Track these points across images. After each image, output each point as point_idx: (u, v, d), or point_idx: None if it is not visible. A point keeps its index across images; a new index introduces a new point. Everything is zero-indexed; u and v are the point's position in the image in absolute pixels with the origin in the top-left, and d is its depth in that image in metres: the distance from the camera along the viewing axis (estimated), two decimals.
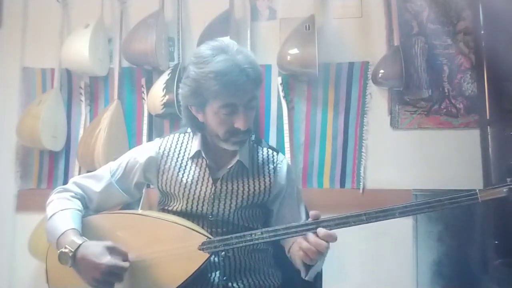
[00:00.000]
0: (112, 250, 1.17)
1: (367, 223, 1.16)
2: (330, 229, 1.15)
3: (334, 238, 1.13)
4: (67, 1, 2.60)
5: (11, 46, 2.63)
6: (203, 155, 1.34)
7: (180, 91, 1.31)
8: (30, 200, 2.50)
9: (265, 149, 1.42)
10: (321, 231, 1.12)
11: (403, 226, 2.24)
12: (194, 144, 1.36)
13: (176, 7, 2.49)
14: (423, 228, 2.20)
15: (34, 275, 2.50)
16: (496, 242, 2.03)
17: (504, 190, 1.10)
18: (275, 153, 1.42)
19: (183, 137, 1.41)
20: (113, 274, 1.15)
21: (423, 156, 2.30)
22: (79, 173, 2.46)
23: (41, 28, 2.63)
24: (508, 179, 1.10)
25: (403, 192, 2.23)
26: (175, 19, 2.50)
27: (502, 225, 2.03)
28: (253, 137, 1.42)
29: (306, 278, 1.23)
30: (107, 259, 1.14)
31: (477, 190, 1.10)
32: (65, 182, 2.50)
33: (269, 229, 1.19)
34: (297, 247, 1.16)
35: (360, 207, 2.37)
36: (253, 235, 1.18)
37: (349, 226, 1.16)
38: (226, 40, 1.27)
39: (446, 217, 2.18)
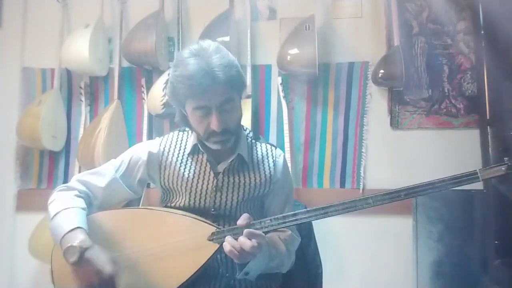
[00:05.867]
0: (115, 263, 1.18)
1: (373, 206, 1.18)
2: (339, 214, 1.18)
3: (256, 235, 1.16)
4: (67, 1, 2.60)
5: (11, 46, 2.64)
6: (201, 148, 1.36)
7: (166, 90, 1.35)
8: (30, 200, 2.50)
9: (263, 144, 1.44)
10: (246, 230, 1.16)
11: (403, 226, 2.24)
12: (192, 140, 1.39)
13: (176, 7, 2.49)
14: (423, 228, 2.20)
15: (34, 275, 2.50)
16: (496, 242, 2.04)
17: (503, 168, 1.15)
18: (273, 148, 1.45)
19: (182, 134, 1.43)
20: (107, 283, 1.15)
21: (423, 156, 2.30)
22: (79, 173, 2.46)
23: (41, 28, 2.63)
24: (505, 158, 1.16)
25: None
26: (175, 19, 2.50)
27: (502, 225, 2.03)
28: (250, 134, 1.45)
29: (237, 276, 1.24)
30: (112, 271, 1.15)
31: (478, 170, 1.16)
32: (65, 182, 2.47)
33: (278, 216, 1.21)
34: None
35: None
36: (262, 223, 1.20)
37: (356, 210, 1.18)
38: (206, 42, 1.27)
39: (446, 217, 2.18)
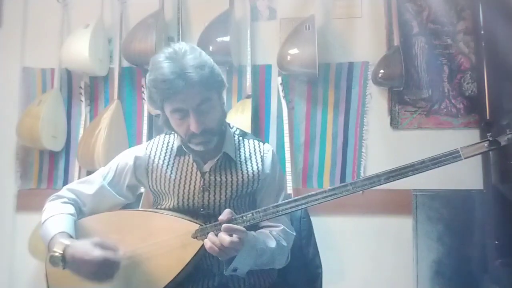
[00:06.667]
0: (100, 245, 1.18)
1: (353, 192, 1.16)
2: (319, 202, 1.17)
3: (234, 230, 1.15)
4: (67, 1, 2.60)
5: (11, 46, 2.64)
6: (185, 149, 1.36)
7: None
8: (30, 200, 2.50)
9: (251, 140, 1.43)
10: (223, 225, 1.16)
11: (403, 226, 2.24)
12: (177, 142, 1.39)
13: (176, 7, 2.49)
14: (423, 228, 2.20)
15: (34, 275, 2.50)
16: (496, 242, 2.04)
17: (485, 145, 1.10)
18: (261, 144, 1.44)
19: (168, 137, 1.43)
20: (107, 265, 1.16)
21: (423, 156, 2.28)
22: (79, 173, 2.46)
23: (41, 28, 2.63)
24: (488, 134, 1.10)
25: (403, 192, 2.23)
26: (175, 19, 2.50)
27: (502, 225, 2.03)
28: (237, 131, 1.44)
29: (225, 273, 1.24)
30: (97, 253, 1.15)
31: (459, 148, 1.10)
32: (65, 182, 2.51)
33: (259, 209, 1.21)
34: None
35: (360, 207, 2.39)
36: (244, 217, 1.20)
37: (336, 197, 1.17)
38: (179, 45, 1.27)
39: (446, 217, 2.18)
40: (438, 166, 1.12)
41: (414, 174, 1.14)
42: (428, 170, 1.13)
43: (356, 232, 2.32)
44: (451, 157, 1.11)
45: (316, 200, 1.17)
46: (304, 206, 1.19)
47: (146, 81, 1.28)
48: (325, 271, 1.58)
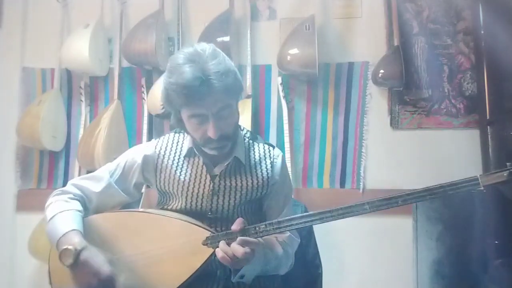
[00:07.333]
0: (112, 264, 1.18)
1: (370, 212, 1.16)
2: (334, 219, 1.16)
3: (249, 243, 1.15)
4: (67, 1, 2.60)
5: (11, 46, 2.64)
6: (196, 151, 1.34)
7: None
8: (30, 200, 2.50)
9: (261, 144, 1.42)
10: (239, 238, 1.16)
11: (403, 226, 2.24)
12: (187, 143, 1.37)
13: (176, 7, 2.49)
14: (423, 228, 2.19)
15: (34, 275, 2.50)
16: (496, 242, 2.03)
17: (505, 174, 1.10)
18: (271, 148, 1.42)
19: (178, 136, 1.41)
20: (107, 285, 1.15)
21: (423, 156, 2.30)
22: (79, 173, 2.46)
23: (41, 28, 2.63)
24: (508, 164, 1.10)
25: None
26: (175, 19, 2.50)
27: (502, 225, 2.03)
28: (248, 134, 1.43)
29: (232, 280, 1.24)
30: (110, 271, 1.15)
31: (479, 176, 1.11)
32: (65, 182, 2.50)
33: (273, 221, 1.20)
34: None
35: None
36: (257, 228, 1.19)
37: (353, 215, 1.16)
38: (201, 46, 1.23)
39: (446, 217, 2.18)
40: (456, 192, 1.12)
41: (432, 199, 1.14)
42: (445, 195, 1.13)
43: (356, 232, 2.32)
44: (470, 184, 1.12)
45: (332, 216, 1.16)
46: (318, 222, 1.18)
47: (164, 81, 1.24)
48: (325, 271, 1.58)
